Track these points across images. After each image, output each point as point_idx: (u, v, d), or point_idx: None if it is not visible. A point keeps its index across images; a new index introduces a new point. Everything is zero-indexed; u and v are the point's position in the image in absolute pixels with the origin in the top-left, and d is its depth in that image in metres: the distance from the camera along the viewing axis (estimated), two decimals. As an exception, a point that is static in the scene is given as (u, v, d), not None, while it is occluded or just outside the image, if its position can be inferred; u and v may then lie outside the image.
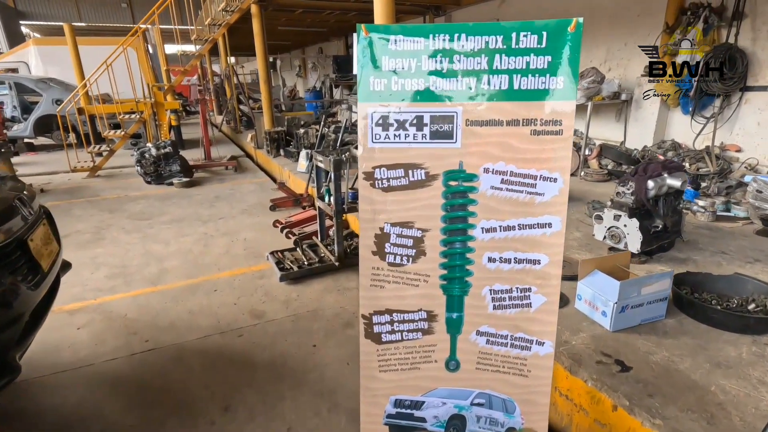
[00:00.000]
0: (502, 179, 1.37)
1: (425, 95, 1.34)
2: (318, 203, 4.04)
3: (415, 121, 1.36)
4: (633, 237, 3.04)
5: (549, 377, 1.48)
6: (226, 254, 4.21)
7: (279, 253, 4.01)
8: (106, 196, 6.35)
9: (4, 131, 7.88)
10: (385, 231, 1.44)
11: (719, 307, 2.44)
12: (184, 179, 6.82)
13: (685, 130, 5.45)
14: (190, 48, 11.39)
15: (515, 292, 1.45)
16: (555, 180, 1.35)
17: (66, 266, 2.60)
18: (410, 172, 1.40)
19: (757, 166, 4.76)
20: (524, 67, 1.29)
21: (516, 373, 1.50)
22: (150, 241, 4.56)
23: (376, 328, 1.50)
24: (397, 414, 1.54)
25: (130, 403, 2.28)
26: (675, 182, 2.96)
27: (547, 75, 1.29)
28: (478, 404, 1.52)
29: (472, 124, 1.35)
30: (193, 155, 8.75)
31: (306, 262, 3.83)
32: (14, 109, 10.57)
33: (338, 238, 3.75)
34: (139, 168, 6.92)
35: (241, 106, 12.75)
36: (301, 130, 7.63)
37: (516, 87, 1.31)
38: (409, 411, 1.53)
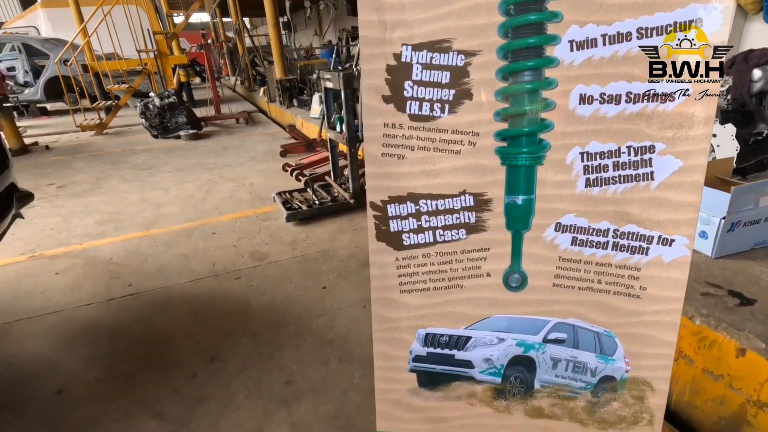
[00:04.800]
0: (612, -58, 0.76)
1: None
2: (329, 134, 3.48)
3: None
4: (726, 148, 2.36)
5: (679, 299, 0.91)
6: (229, 199, 3.75)
7: (287, 194, 3.51)
8: (111, 151, 5.98)
9: (6, 86, 7.54)
10: (403, 59, 0.87)
11: None
12: (191, 131, 6.37)
13: (766, 41, 4.51)
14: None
15: (626, 155, 0.86)
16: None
17: (27, 196, 2.16)
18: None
19: None
20: None
21: (621, 291, 0.94)
22: (149, 188, 4.14)
23: (393, 225, 0.96)
24: (429, 356, 1.02)
25: (98, 353, 1.86)
26: (793, 69, 2.22)
27: None
28: (556, 341, 0.98)
29: None
30: (206, 113, 8.30)
31: (317, 202, 3.32)
32: (26, 73, 10.29)
33: (353, 173, 3.20)
34: (144, 121, 6.51)
35: (256, 68, 12.12)
36: (314, 76, 7.00)
37: None
38: (447, 351, 1.01)
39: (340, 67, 3.23)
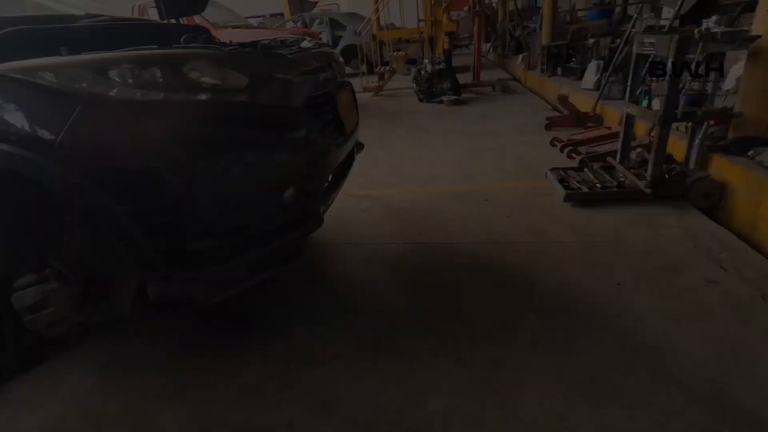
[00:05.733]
0: None
1: None
2: (627, 109, 3.02)
3: None
4: None
5: None
6: (495, 168, 3.78)
7: (561, 171, 3.28)
8: (387, 111, 6.89)
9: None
10: None
11: None
12: (453, 97, 6.70)
13: None
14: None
15: None
16: None
17: (360, 146, 2.65)
18: None
19: None
20: None
21: None
22: (422, 148, 4.58)
23: None
24: None
25: (403, 288, 2.17)
26: None
27: None
28: None
29: None
30: (461, 80, 8.61)
31: (599, 185, 2.98)
32: (327, 44, 12.83)
33: (657, 157, 2.70)
34: (414, 85, 7.21)
35: (512, 34, 11.73)
36: (591, 40, 6.23)
37: None
38: None
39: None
